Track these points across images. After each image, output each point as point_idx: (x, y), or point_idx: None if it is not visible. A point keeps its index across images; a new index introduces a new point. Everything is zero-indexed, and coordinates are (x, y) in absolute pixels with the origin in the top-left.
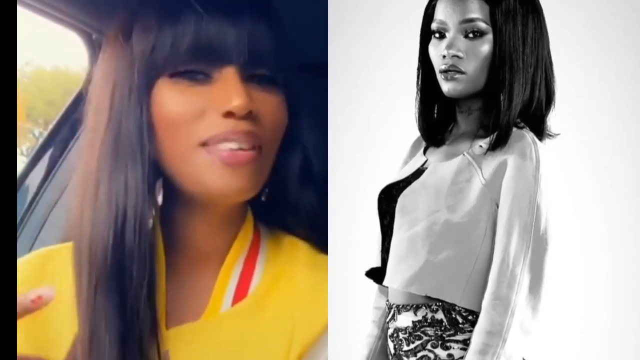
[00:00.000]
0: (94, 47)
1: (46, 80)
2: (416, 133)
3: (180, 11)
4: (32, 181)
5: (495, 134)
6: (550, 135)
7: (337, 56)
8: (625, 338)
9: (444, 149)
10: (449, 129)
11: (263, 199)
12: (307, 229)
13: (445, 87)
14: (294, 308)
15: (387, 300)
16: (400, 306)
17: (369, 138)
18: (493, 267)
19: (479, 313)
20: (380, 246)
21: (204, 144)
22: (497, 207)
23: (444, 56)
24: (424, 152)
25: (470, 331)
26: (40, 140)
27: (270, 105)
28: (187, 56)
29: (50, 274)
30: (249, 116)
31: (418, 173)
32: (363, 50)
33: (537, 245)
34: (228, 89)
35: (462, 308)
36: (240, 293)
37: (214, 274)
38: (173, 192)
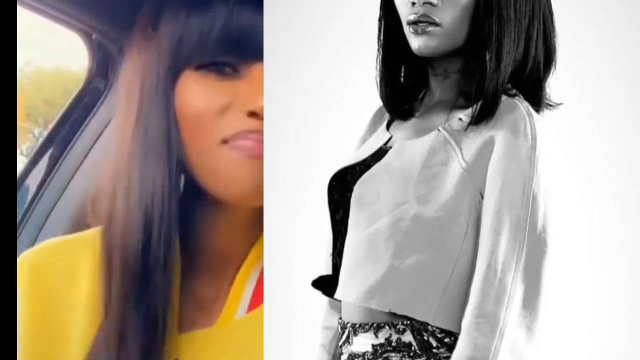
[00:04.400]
0: (94, 47)
1: (46, 80)
2: (377, 102)
3: None
4: (32, 181)
5: (479, 103)
6: (550, 105)
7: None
8: None
9: (413, 122)
10: (420, 97)
11: None
12: None
13: (415, 43)
14: None
15: (340, 318)
16: (357, 325)
17: (316, 108)
18: (476, 276)
19: (459, 334)
20: (330, 248)
21: (224, 141)
22: (482, 197)
23: (414, 3)
24: (388, 127)
25: (448, 357)
26: (40, 140)
27: None
28: (216, 48)
29: (61, 268)
30: None
31: (380, 154)
32: None
33: (533, 247)
34: (255, 87)
35: (437, 328)
36: (257, 299)
37: (231, 279)
38: (193, 191)
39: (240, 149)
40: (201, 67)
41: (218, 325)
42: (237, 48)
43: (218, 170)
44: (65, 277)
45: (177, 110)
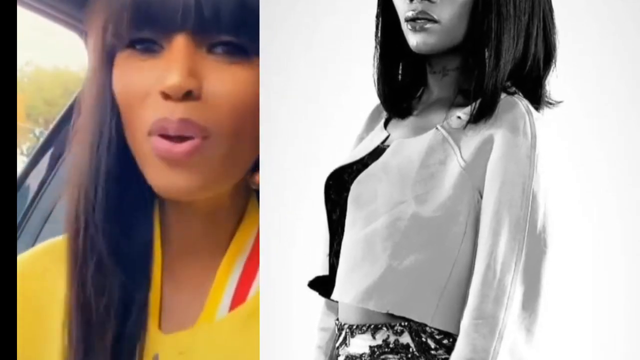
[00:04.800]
0: None
1: (46, 80)
2: (375, 100)
3: None
4: (32, 181)
5: (478, 101)
6: (551, 104)
7: None
8: None
9: (411, 121)
10: (418, 95)
11: (254, 187)
12: None
13: (413, 40)
14: None
15: (337, 319)
16: (354, 327)
17: (313, 106)
18: (475, 276)
19: (457, 336)
20: (327, 248)
21: (149, 133)
22: (481, 197)
23: (412, 0)
24: (385, 126)
25: (446, 359)
26: (40, 140)
27: (234, 81)
28: (132, 24)
29: (47, 269)
30: (190, 97)
31: (377, 153)
32: None
33: (532, 248)
34: (169, 63)
35: (435, 329)
36: (239, 297)
37: (211, 277)
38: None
39: (153, 147)
40: (129, 46)
41: (198, 325)
42: (151, 21)
43: (144, 161)
44: (54, 279)
45: (115, 95)
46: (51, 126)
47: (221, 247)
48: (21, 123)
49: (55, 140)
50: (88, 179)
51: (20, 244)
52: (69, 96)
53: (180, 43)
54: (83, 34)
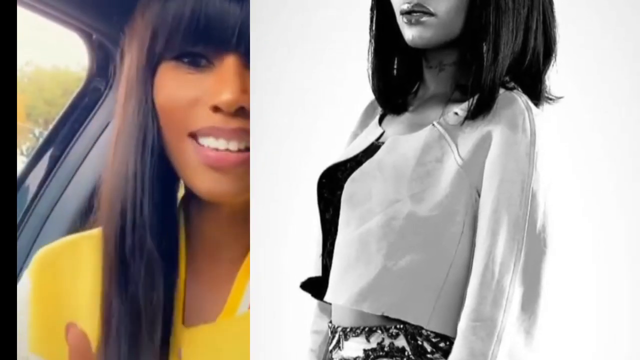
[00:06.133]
0: (94, 47)
1: (46, 80)
2: (369, 96)
3: None
4: (32, 181)
5: (476, 97)
6: (550, 99)
7: None
8: None
9: (406, 117)
10: (414, 90)
11: None
12: None
13: (409, 33)
14: None
15: (330, 322)
16: (348, 330)
17: (306, 101)
18: (473, 277)
19: (454, 339)
20: (320, 249)
21: (192, 135)
22: (479, 195)
23: None
24: (380, 122)
25: None
26: (40, 140)
27: None
28: (186, 38)
29: (71, 265)
30: (241, 112)
31: (372, 150)
32: None
33: (532, 248)
34: (222, 80)
35: (431, 332)
36: None
37: (233, 275)
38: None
39: (202, 156)
40: (176, 58)
41: (220, 320)
42: (206, 38)
43: (185, 170)
44: (72, 274)
45: (155, 101)
46: (51, 126)
47: (244, 247)
48: (21, 123)
49: (55, 141)
50: (133, 181)
51: (19, 244)
52: (69, 96)
53: (232, 62)
54: (85, 35)
